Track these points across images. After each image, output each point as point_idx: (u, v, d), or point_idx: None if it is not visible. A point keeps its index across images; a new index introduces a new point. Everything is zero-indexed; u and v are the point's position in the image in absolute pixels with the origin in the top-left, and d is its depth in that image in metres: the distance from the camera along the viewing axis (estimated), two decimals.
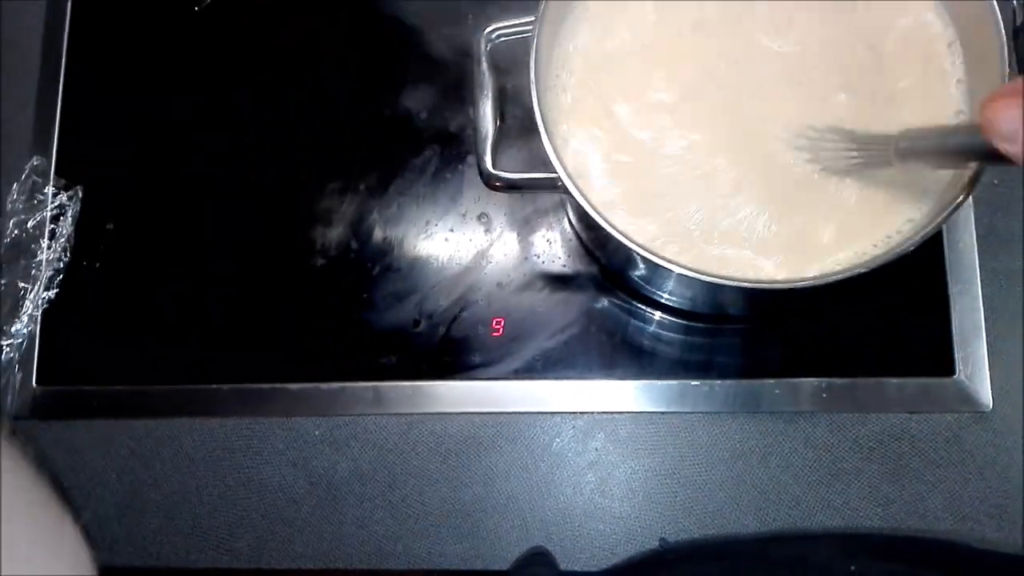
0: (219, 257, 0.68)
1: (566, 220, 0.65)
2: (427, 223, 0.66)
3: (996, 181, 0.63)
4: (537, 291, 0.64)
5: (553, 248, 0.65)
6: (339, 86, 0.69)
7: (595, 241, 0.62)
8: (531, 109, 0.48)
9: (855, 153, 0.49)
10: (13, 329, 0.66)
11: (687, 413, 0.62)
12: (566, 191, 0.48)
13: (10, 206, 0.67)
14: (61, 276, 0.67)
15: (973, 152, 0.43)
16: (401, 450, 0.63)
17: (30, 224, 0.67)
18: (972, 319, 0.61)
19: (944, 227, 0.62)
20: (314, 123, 0.69)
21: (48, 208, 0.68)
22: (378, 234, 0.66)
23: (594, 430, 0.63)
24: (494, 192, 0.53)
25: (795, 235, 0.51)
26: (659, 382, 0.62)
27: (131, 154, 0.70)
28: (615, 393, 0.62)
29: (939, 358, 0.61)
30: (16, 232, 0.67)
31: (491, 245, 0.65)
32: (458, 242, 0.66)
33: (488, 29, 0.52)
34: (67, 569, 0.41)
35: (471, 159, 0.67)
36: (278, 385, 0.64)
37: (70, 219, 0.67)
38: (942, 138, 0.46)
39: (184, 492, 0.64)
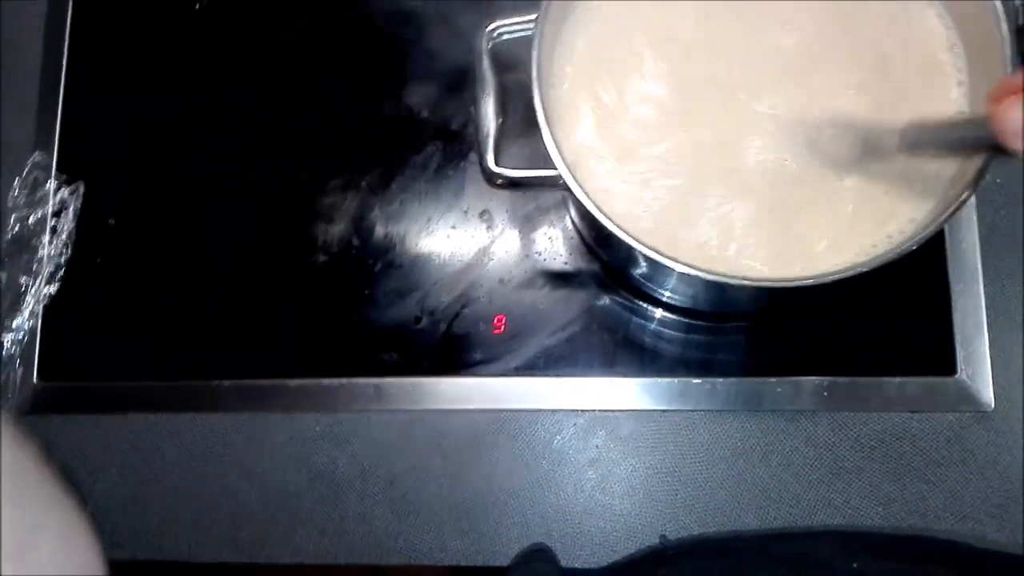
0: (220, 254, 0.68)
1: (568, 217, 0.65)
2: (429, 220, 0.66)
3: (999, 180, 0.63)
4: (538, 288, 0.64)
5: (555, 245, 0.65)
6: (341, 83, 0.69)
7: (597, 238, 0.62)
8: (533, 106, 0.48)
9: (857, 144, 0.48)
10: (14, 324, 0.66)
11: (688, 411, 0.62)
12: (567, 188, 0.48)
13: (12, 201, 0.67)
14: (62, 271, 0.67)
15: (979, 144, 0.42)
16: (402, 446, 0.63)
17: (31, 219, 0.67)
18: (974, 318, 0.61)
19: (946, 226, 0.62)
20: (316, 120, 0.69)
21: (50, 204, 0.68)
22: (380, 231, 0.66)
23: (595, 427, 0.63)
24: (496, 189, 0.53)
25: (796, 234, 0.51)
26: (660, 380, 0.62)
27: (133, 150, 0.70)
28: (616, 391, 0.62)
29: (941, 357, 0.61)
30: (17, 227, 0.67)
31: (493, 242, 0.65)
32: (460, 239, 0.66)
33: (490, 27, 0.52)
34: (79, 554, 0.41)
35: (473, 156, 0.67)
36: (279, 381, 0.65)
37: (71, 215, 0.67)
38: (948, 130, 0.46)
39: (185, 487, 0.64)
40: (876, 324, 0.62)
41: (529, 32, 0.50)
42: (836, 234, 0.51)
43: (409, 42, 0.69)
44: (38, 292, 0.66)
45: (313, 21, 0.71)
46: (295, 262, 0.66)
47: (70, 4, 0.72)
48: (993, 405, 0.60)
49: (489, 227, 0.66)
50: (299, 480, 0.64)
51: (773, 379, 0.61)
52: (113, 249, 0.68)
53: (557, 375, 0.63)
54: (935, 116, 0.47)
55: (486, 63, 0.52)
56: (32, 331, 0.66)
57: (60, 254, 0.67)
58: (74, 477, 0.65)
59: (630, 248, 0.46)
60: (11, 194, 0.67)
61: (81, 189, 0.68)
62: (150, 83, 0.71)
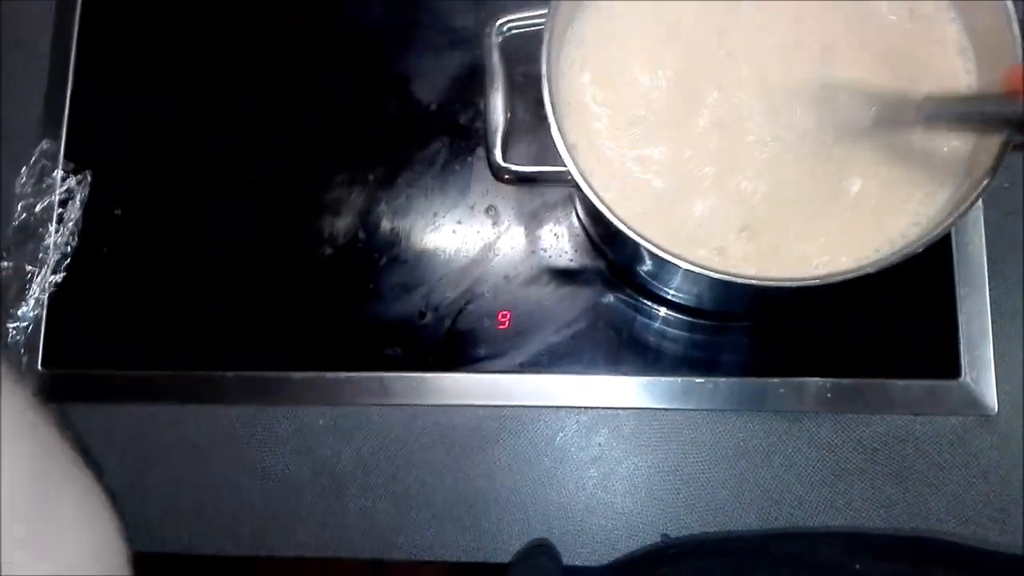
0: (226, 247, 0.68)
1: (574, 214, 0.65)
2: (435, 215, 0.66)
3: (1007, 184, 0.63)
4: (543, 285, 0.64)
5: (560, 242, 0.65)
6: (350, 77, 0.69)
7: (602, 236, 0.62)
8: (541, 102, 0.48)
9: (873, 111, 0.48)
10: (20, 312, 0.66)
11: (691, 410, 0.62)
12: (575, 185, 0.48)
13: (19, 189, 0.67)
14: (68, 260, 0.67)
15: (999, 119, 0.42)
16: (405, 441, 0.63)
17: (38, 208, 0.67)
18: (979, 322, 0.61)
19: (953, 229, 0.61)
20: (324, 114, 0.69)
21: (56, 192, 0.68)
22: (386, 225, 0.66)
23: (598, 425, 0.63)
24: (502, 185, 0.53)
25: (801, 234, 0.51)
26: (664, 379, 0.62)
27: (141, 140, 0.70)
28: (619, 389, 0.62)
29: (945, 360, 0.61)
30: (24, 215, 0.67)
31: (498, 238, 0.65)
32: (465, 234, 0.66)
33: (500, 21, 0.52)
34: (101, 523, 0.41)
35: (480, 151, 0.67)
36: (283, 374, 0.65)
37: (78, 204, 0.67)
38: (968, 104, 0.45)
39: (187, 478, 0.64)
40: (880, 326, 0.62)
41: (538, 27, 0.50)
42: (839, 236, 0.51)
43: (418, 36, 0.69)
44: (44, 281, 0.66)
45: (325, 12, 0.71)
46: (300, 255, 0.66)
47: None
48: (996, 409, 0.60)
49: (495, 223, 0.66)
50: (302, 473, 0.64)
51: (776, 380, 0.61)
52: (119, 239, 0.68)
53: (561, 372, 0.63)
54: (954, 90, 0.47)
55: (495, 57, 0.52)
56: (37, 320, 0.66)
57: (66, 243, 0.67)
58: None
59: (636, 245, 0.46)
60: (18, 182, 0.67)
61: (88, 178, 0.68)
62: (160, 71, 0.71)
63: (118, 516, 0.42)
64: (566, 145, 0.48)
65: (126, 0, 0.72)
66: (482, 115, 0.54)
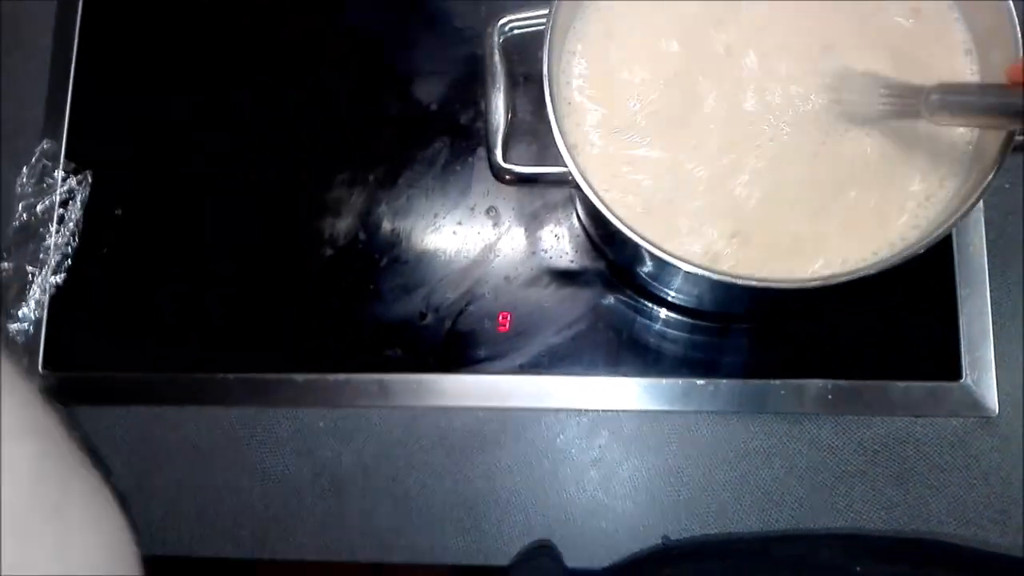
0: (226, 248, 0.68)
1: (574, 215, 0.65)
2: (435, 216, 0.66)
3: (1007, 185, 0.63)
4: (544, 286, 0.64)
5: (561, 243, 0.65)
6: (350, 77, 0.69)
7: (603, 236, 0.62)
8: (542, 103, 0.48)
9: (885, 99, 0.48)
10: (20, 313, 0.66)
11: (691, 412, 0.62)
12: (576, 185, 0.47)
13: (19, 189, 0.67)
14: (69, 261, 0.67)
15: (1007, 111, 0.42)
16: (405, 443, 0.63)
17: (39, 208, 0.67)
18: (980, 323, 0.61)
19: (954, 230, 0.61)
20: (325, 114, 0.69)
21: (57, 192, 0.67)
22: (386, 226, 0.66)
23: (598, 427, 0.63)
24: (503, 186, 0.53)
25: (802, 235, 0.51)
26: (664, 380, 0.62)
27: (141, 140, 0.70)
28: (620, 390, 0.62)
29: (946, 362, 0.61)
30: (25, 216, 0.67)
31: (499, 239, 0.65)
32: (466, 235, 0.66)
33: (501, 21, 0.52)
34: (110, 519, 0.41)
35: (481, 152, 0.67)
36: (284, 376, 0.64)
37: (79, 204, 0.67)
38: (978, 95, 0.45)
39: (188, 480, 0.64)
40: (881, 327, 0.62)
41: (539, 27, 0.50)
42: (841, 238, 0.50)
43: (419, 36, 0.69)
44: (44, 282, 0.66)
45: (326, 11, 0.71)
46: (301, 256, 0.66)
47: None
48: (997, 410, 0.60)
49: (495, 224, 0.66)
50: (302, 475, 0.64)
51: (777, 381, 0.61)
52: (120, 240, 0.68)
53: (561, 374, 0.63)
54: (964, 80, 0.47)
55: (496, 58, 0.52)
56: (38, 321, 0.66)
57: (67, 244, 0.67)
58: None
59: (636, 246, 0.46)
60: (19, 181, 0.67)
61: (89, 178, 0.68)
62: (161, 70, 0.71)
63: (128, 517, 0.41)
64: (566, 145, 0.48)
65: (127, 0, 0.72)
66: (483, 115, 0.53)
